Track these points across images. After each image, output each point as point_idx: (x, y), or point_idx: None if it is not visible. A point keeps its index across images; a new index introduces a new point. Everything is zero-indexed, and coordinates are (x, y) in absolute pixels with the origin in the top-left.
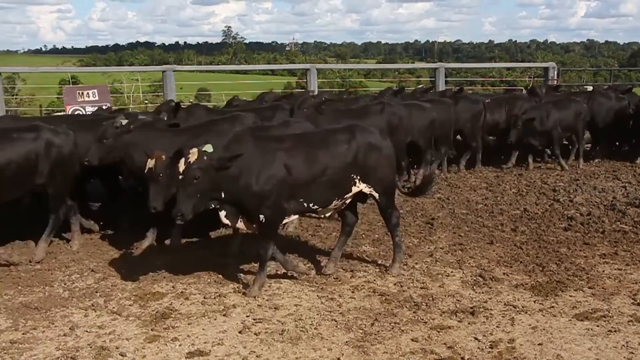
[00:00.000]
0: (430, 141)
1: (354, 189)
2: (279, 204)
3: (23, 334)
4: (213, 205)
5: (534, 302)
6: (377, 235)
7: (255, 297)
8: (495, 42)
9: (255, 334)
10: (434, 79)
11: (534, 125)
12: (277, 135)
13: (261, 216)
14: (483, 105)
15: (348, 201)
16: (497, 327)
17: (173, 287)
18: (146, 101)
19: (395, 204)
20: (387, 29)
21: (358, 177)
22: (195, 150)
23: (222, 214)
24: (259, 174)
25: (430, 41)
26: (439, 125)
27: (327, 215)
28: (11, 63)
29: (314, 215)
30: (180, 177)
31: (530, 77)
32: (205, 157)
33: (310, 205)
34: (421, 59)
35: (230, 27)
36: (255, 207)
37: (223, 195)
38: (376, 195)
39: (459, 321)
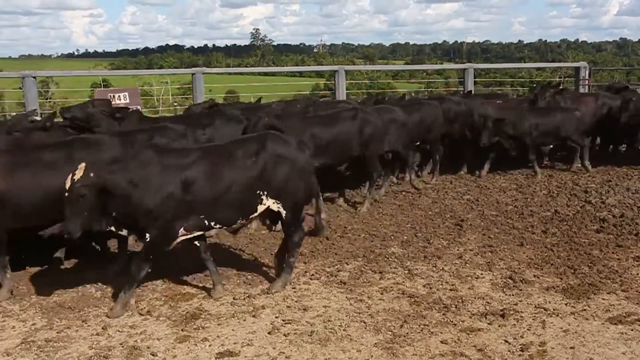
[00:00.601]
0: (409, 146)
1: (260, 208)
2: (169, 224)
3: (57, 332)
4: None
5: (566, 305)
6: (405, 237)
7: (115, 317)
8: (525, 42)
9: (284, 335)
10: (462, 79)
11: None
12: (182, 149)
13: (147, 235)
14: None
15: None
16: (527, 330)
17: (203, 288)
18: (175, 103)
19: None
20: (415, 29)
21: (265, 193)
22: (82, 165)
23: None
24: (151, 191)
25: (459, 42)
26: (425, 128)
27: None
28: (45, 67)
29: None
30: (66, 194)
31: (561, 77)
32: (91, 174)
33: (212, 223)
34: (449, 60)
35: (258, 29)
36: (143, 225)
37: (114, 214)
38: (283, 212)
39: (488, 324)
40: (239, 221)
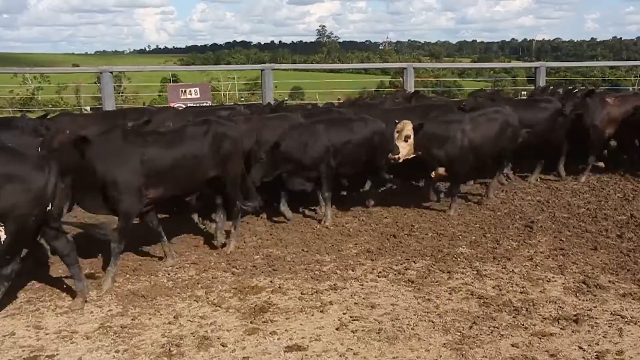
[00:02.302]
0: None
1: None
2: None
3: (132, 319)
4: None
5: None
6: (474, 237)
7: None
8: (598, 40)
9: (352, 331)
10: (532, 78)
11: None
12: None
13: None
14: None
15: None
16: (603, 337)
17: (271, 281)
18: (242, 99)
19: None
20: (483, 27)
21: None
22: None
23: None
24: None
25: (528, 39)
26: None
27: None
28: (119, 63)
29: None
30: None
31: (637, 77)
32: None
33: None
34: (517, 58)
35: (324, 26)
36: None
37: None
38: (3, 237)
39: (561, 328)
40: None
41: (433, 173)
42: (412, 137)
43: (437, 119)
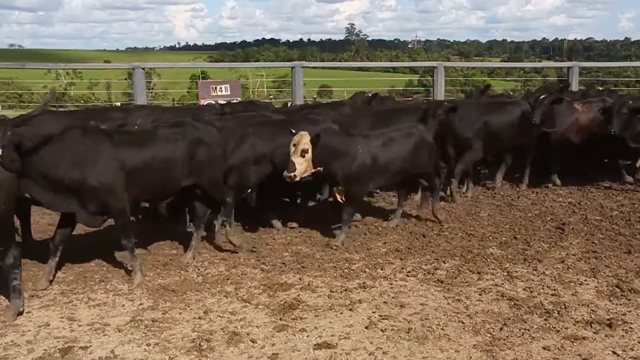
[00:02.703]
0: None
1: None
2: None
3: (162, 313)
4: None
5: None
6: (504, 238)
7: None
8: (633, 40)
9: (381, 330)
10: (563, 78)
11: None
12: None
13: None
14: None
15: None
16: (638, 342)
17: (300, 279)
18: (270, 96)
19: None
20: (514, 26)
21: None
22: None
23: None
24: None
25: (559, 39)
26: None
27: None
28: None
29: None
30: None
31: None
32: None
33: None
34: (548, 58)
35: (353, 24)
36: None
37: None
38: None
39: (594, 332)
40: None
41: (334, 191)
42: (309, 151)
43: (334, 131)
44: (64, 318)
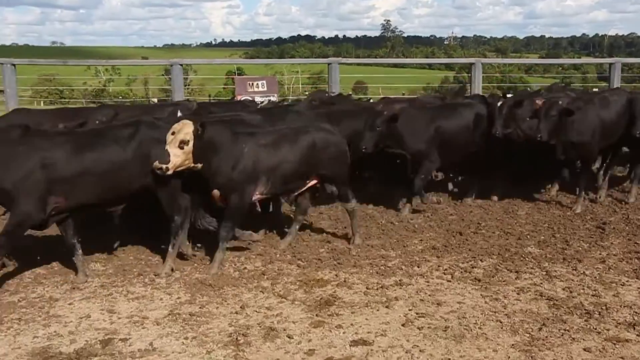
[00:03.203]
0: None
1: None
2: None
3: (200, 307)
4: None
5: None
6: (542, 237)
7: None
8: None
9: (418, 328)
10: (604, 74)
11: None
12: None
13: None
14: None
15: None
16: None
17: (336, 275)
18: (306, 92)
19: None
20: (552, 22)
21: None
22: None
23: None
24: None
25: (600, 35)
26: None
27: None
28: (186, 56)
29: None
30: None
31: None
32: None
33: None
34: (588, 54)
35: (389, 20)
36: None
37: None
38: None
39: (637, 335)
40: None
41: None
42: (190, 143)
43: (221, 124)
44: (104, 310)
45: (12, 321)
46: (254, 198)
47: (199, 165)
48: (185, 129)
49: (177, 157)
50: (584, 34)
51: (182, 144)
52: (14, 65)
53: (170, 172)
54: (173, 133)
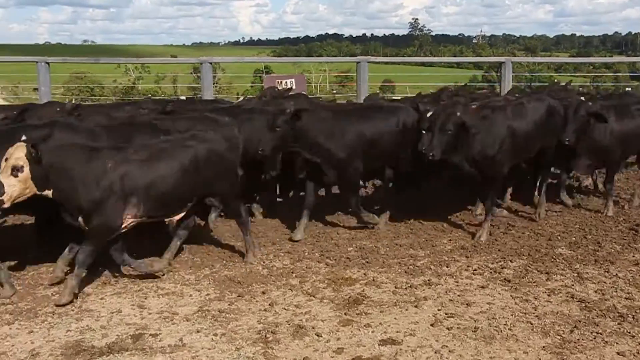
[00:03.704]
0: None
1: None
2: None
3: (229, 304)
4: None
5: None
6: (573, 238)
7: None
8: None
9: (447, 328)
10: (638, 74)
11: None
12: None
13: None
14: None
15: None
16: None
17: (364, 274)
18: (334, 91)
19: None
20: (583, 20)
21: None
22: None
23: None
24: None
25: (633, 33)
26: None
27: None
28: (214, 54)
29: None
30: None
31: None
32: None
33: None
34: (620, 53)
35: (417, 19)
36: None
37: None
38: None
39: None
40: None
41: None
42: (24, 169)
43: (67, 142)
44: (134, 305)
45: (46, 314)
46: (125, 223)
47: (49, 192)
48: (17, 153)
49: (13, 186)
50: (616, 32)
51: (16, 170)
52: (48, 63)
53: (7, 206)
54: (6, 159)
